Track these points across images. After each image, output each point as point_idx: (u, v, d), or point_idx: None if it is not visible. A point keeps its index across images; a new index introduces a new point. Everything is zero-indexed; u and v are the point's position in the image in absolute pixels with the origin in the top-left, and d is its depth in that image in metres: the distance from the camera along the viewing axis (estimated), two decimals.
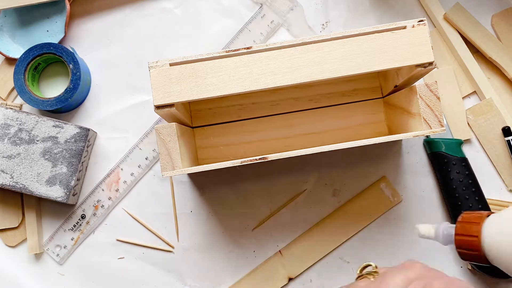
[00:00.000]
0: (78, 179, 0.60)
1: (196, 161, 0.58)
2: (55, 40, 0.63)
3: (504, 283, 0.59)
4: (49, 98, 0.60)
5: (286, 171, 0.61)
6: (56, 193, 0.58)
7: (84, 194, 0.62)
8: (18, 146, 0.58)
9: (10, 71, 0.63)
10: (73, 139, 0.59)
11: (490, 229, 0.43)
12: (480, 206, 0.57)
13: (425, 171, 0.61)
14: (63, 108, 0.61)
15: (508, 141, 0.60)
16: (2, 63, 0.64)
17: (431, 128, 0.47)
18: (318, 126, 0.59)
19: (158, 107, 0.47)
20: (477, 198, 0.57)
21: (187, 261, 0.61)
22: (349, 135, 0.59)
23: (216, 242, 0.61)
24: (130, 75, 0.64)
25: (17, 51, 0.63)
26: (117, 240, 0.62)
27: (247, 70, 0.47)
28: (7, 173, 0.58)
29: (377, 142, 0.47)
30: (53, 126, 0.59)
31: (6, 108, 0.59)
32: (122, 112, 0.63)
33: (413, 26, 0.47)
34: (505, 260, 0.41)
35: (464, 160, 0.59)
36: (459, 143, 0.59)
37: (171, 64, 0.47)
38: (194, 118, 0.60)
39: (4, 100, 0.63)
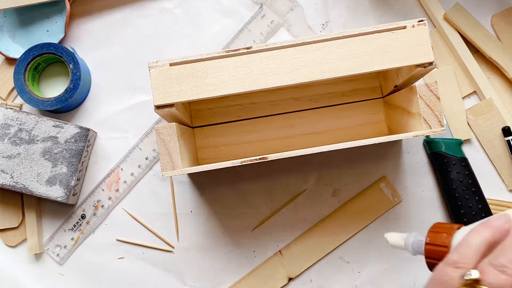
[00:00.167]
0: (78, 179, 0.60)
1: (196, 161, 0.58)
2: (55, 40, 0.63)
3: None
4: (49, 98, 0.60)
5: (286, 171, 0.61)
6: (56, 193, 0.58)
7: (84, 194, 0.62)
8: (18, 146, 0.58)
9: (10, 71, 0.63)
10: (73, 139, 0.59)
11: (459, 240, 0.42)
12: (480, 206, 0.57)
13: (425, 171, 0.61)
14: (63, 108, 0.61)
15: (508, 141, 0.60)
16: (2, 63, 0.64)
17: (431, 128, 0.47)
18: (318, 126, 0.59)
19: (158, 107, 0.47)
20: (477, 198, 0.57)
21: (187, 261, 0.61)
22: (349, 135, 0.59)
23: (216, 242, 0.61)
24: (130, 75, 0.64)
25: (17, 51, 0.63)
26: (117, 240, 0.62)
27: (247, 70, 0.47)
28: (7, 173, 0.58)
29: (377, 142, 0.47)
30: (53, 126, 0.59)
31: (6, 108, 0.59)
32: (122, 112, 0.63)
33: (413, 26, 0.47)
34: None
35: (464, 160, 0.59)
36: (459, 143, 0.59)
37: (171, 64, 0.47)
38: (194, 118, 0.60)
39: (4, 100, 0.63)
